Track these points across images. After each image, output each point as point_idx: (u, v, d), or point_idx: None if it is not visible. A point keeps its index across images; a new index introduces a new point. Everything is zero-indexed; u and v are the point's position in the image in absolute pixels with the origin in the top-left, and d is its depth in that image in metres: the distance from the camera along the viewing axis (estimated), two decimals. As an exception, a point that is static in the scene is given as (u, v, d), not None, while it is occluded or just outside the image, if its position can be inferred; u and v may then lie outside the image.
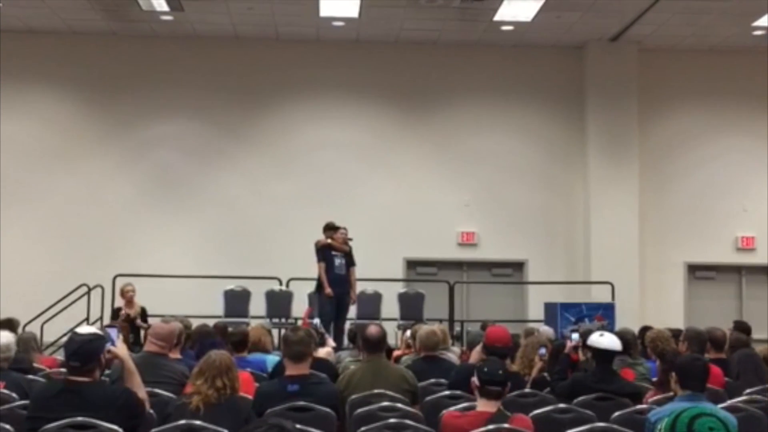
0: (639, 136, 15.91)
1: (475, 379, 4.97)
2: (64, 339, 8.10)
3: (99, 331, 5.08)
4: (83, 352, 4.77)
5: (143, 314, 12.07)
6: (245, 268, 14.51)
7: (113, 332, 5.27)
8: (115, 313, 12.11)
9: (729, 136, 16.16)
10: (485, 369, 4.96)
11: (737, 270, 16.32)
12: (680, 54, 16.13)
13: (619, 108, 15.80)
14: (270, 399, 5.40)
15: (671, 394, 5.36)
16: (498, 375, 4.93)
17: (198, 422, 4.76)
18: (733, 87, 16.04)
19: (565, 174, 16.14)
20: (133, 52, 15.85)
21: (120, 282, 13.42)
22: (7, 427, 4.75)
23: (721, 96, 16.15)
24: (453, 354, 8.43)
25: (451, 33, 15.42)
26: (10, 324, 8.36)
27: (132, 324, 11.65)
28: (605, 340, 6.40)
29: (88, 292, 13.88)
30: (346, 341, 10.70)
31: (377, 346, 6.48)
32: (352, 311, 12.75)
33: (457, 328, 14.15)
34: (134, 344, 10.55)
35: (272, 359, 7.58)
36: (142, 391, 5.09)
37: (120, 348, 5.20)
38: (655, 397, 5.98)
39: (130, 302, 12.10)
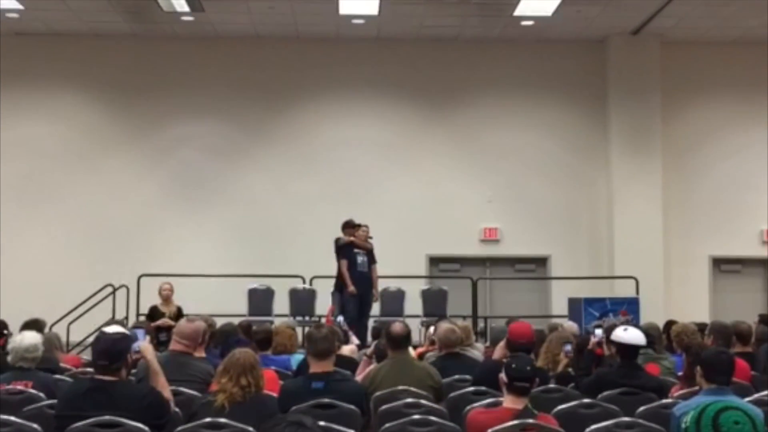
0: (662, 129, 15.80)
1: (503, 375, 4.95)
2: (90, 339, 8.13)
3: (126, 331, 5.13)
4: (111, 351, 4.82)
5: (179, 313, 11.81)
6: (269, 266, 14.56)
7: (140, 333, 5.31)
8: (152, 311, 12.06)
9: (753, 128, 16.02)
10: (513, 365, 4.92)
11: (763, 263, 16.18)
12: (702, 46, 16.00)
13: (641, 101, 15.71)
14: (294, 396, 5.42)
15: (697, 388, 5.32)
16: (526, 371, 4.90)
17: (223, 420, 4.78)
18: (756, 79, 15.87)
19: (588, 168, 16.07)
20: (154, 53, 15.95)
21: (145, 282, 13.55)
22: (36, 426, 4.79)
23: (744, 88, 16.01)
24: (477, 351, 8.42)
25: (471, 29, 15.39)
26: (36, 324, 8.42)
27: (156, 328, 11.57)
28: (628, 335, 6.37)
29: (113, 292, 13.98)
30: (369, 339, 10.72)
31: (402, 343, 6.49)
32: (375, 308, 12.77)
33: (481, 325, 14.13)
34: (162, 344, 10.40)
35: (297, 357, 7.61)
36: (166, 391, 5.13)
37: (146, 348, 5.25)
38: (680, 392, 5.95)
39: (167, 300, 12.10)
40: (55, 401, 5.19)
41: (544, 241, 15.90)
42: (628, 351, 6.33)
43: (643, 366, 6.62)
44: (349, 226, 12.23)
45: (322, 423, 4.70)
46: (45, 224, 15.45)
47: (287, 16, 14.80)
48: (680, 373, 6.73)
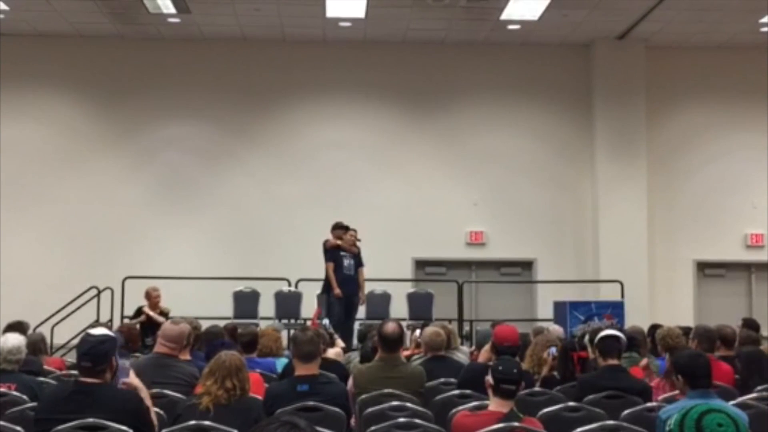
0: (647, 133, 15.86)
1: (489, 378, 4.94)
2: (75, 341, 8.04)
3: (111, 333, 5.09)
4: (95, 353, 4.78)
5: (166, 318, 11.87)
6: (254, 269, 14.54)
7: (125, 363, 5.17)
8: (137, 312, 12.13)
9: (738, 133, 16.10)
10: (500, 368, 4.93)
11: (747, 267, 16.27)
12: (688, 51, 16.08)
13: (627, 106, 15.76)
14: (280, 399, 5.40)
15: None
16: (513, 374, 4.91)
17: (208, 423, 4.76)
18: (741, 84, 15.98)
19: (573, 172, 16.11)
20: (140, 54, 15.89)
21: (130, 284, 13.49)
22: (18, 428, 4.76)
23: (729, 93, 16.09)
24: (462, 354, 8.43)
25: (458, 32, 15.41)
26: (20, 326, 8.39)
27: (142, 325, 11.59)
28: (605, 331, 6.50)
29: (98, 294, 13.92)
30: (355, 341, 10.71)
31: (394, 344, 6.38)
32: (361, 311, 12.77)
33: (467, 328, 14.14)
34: (148, 348, 10.33)
35: (282, 361, 7.59)
36: (151, 413, 5.04)
37: (133, 379, 5.14)
38: (665, 395, 5.97)
39: (155, 305, 12.14)
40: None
41: (530, 244, 15.93)
42: (609, 346, 6.34)
43: (628, 369, 6.64)
44: (337, 228, 12.22)
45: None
46: (29, 226, 15.35)
47: (274, 19, 14.78)
48: (662, 374, 6.76)
